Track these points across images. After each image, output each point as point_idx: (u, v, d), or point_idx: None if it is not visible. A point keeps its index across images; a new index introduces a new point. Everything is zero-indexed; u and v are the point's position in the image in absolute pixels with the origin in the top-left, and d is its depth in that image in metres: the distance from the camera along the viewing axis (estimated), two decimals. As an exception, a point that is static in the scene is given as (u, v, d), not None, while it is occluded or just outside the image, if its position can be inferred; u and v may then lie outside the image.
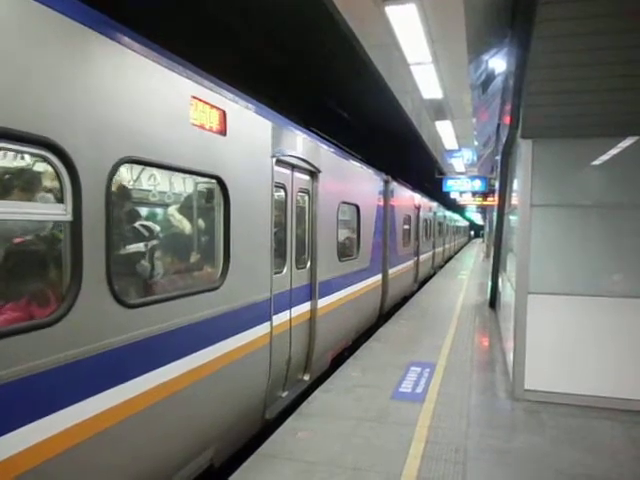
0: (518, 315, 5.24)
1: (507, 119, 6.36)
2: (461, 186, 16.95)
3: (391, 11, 4.56)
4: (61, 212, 2.31)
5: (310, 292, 5.53)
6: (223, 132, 3.61)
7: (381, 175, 9.26)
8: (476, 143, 12.62)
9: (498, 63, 7.53)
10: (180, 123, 3.15)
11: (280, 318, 4.67)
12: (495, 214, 10.53)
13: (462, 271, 20.34)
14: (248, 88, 4.30)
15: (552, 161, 5.25)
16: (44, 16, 2.20)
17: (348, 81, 10.38)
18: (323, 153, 5.81)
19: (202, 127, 3.36)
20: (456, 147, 12.73)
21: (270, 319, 4.39)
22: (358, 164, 7.81)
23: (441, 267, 21.92)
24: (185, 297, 3.21)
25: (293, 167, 5.02)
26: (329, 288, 6.04)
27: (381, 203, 9.12)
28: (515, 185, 6.53)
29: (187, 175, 3.46)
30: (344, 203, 6.78)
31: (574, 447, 4.10)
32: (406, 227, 11.81)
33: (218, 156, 3.56)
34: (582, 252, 5.19)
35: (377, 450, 3.94)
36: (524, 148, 5.23)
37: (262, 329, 4.24)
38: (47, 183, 2.39)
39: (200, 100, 3.33)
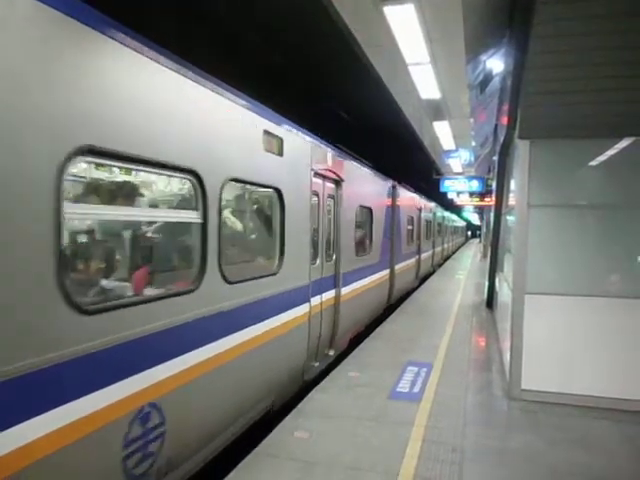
0: (515, 315, 5.26)
1: (505, 119, 6.38)
2: (458, 186, 16.98)
3: (389, 11, 4.56)
4: (197, 217, 3.44)
5: (335, 281, 6.60)
6: (281, 154, 4.73)
7: (389, 181, 10.29)
8: (473, 143, 12.64)
9: (496, 63, 7.56)
10: (257, 150, 4.30)
11: (315, 301, 5.76)
12: (492, 214, 10.55)
13: (459, 271, 20.38)
14: (248, 88, 4.30)
15: (549, 162, 5.26)
16: (194, 90, 3.39)
17: (346, 81, 10.39)
18: (345, 165, 6.91)
19: (269, 151, 4.49)
20: (454, 147, 12.75)
21: (309, 301, 5.53)
22: (371, 172, 8.88)
23: (440, 265, 22.62)
24: (260, 279, 4.39)
25: (324, 178, 6.12)
26: (349, 279, 7.10)
27: (389, 206, 10.15)
28: (512, 185, 6.55)
29: (260, 188, 4.72)
30: (360, 207, 7.87)
31: (570, 447, 4.12)
32: (409, 227, 12.82)
33: (278, 172, 4.71)
34: (579, 252, 5.21)
35: (374, 449, 3.94)
36: (521, 148, 5.24)
37: (303, 309, 5.36)
38: (190, 198, 3.51)
39: (268, 132, 4.48)
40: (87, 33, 2.50)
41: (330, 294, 6.37)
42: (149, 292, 3.25)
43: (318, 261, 5.95)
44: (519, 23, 4.51)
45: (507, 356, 5.63)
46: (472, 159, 15.31)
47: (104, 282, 3.05)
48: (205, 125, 3.52)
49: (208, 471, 3.71)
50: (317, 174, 5.75)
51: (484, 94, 8.74)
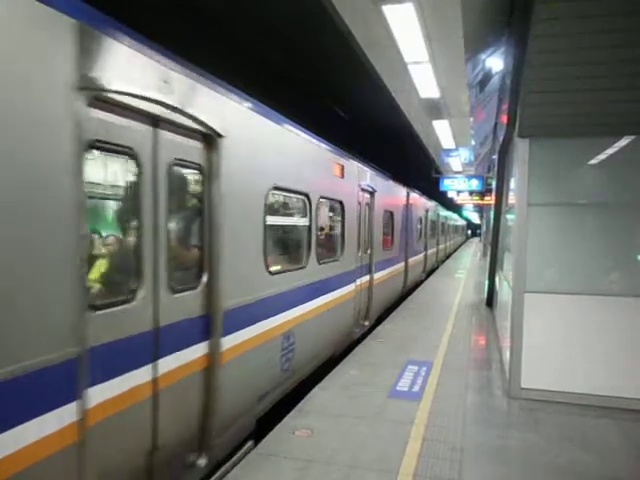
0: (515, 314, 5.26)
1: (504, 118, 6.38)
2: (458, 185, 16.98)
3: (388, 10, 4.56)
4: (308, 221, 5.56)
5: (369, 268, 8.45)
6: (342, 176, 6.74)
7: (405, 187, 11.99)
8: (473, 142, 12.65)
9: (495, 62, 7.56)
10: (332, 177, 6.39)
11: (358, 282, 7.65)
12: (492, 213, 10.56)
13: (459, 270, 20.39)
14: (247, 87, 4.30)
15: (549, 160, 5.26)
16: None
17: (345, 79, 10.38)
18: (376, 178, 8.80)
19: (336, 176, 6.52)
20: (453, 146, 12.75)
21: (355, 281, 7.48)
22: (393, 182, 10.62)
23: (442, 262, 23.93)
24: (332, 262, 6.47)
25: (363, 190, 7.95)
26: (378, 267, 9.02)
27: (404, 209, 11.84)
28: (512, 184, 6.55)
29: (334, 202, 6.71)
30: (385, 211, 9.73)
31: (570, 445, 4.13)
32: (418, 227, 14.60)
33: (341, 190, 6.75)
34: (579, 251, 5.21)
35: (374, 448, 3.95)
36: (521, 147, 5.24)
37: (352, 287, 7.32)
38: (305, 209, 5.58)
39: (337, 163, 6.56)
40: (282, 128, 4.84)
41: (366, 278, 8.28)
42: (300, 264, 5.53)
43: (360, 252, 7.78)
44: (518, 22, 4.51)
45: (507, 355, 5.64)
46: (472, 158, 15.31)
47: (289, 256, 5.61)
48: (310, 163, 5.62)
49: (210, 471, 3.72)
50: (361, 189, 7.78)
51: (483, 93, 8.74)
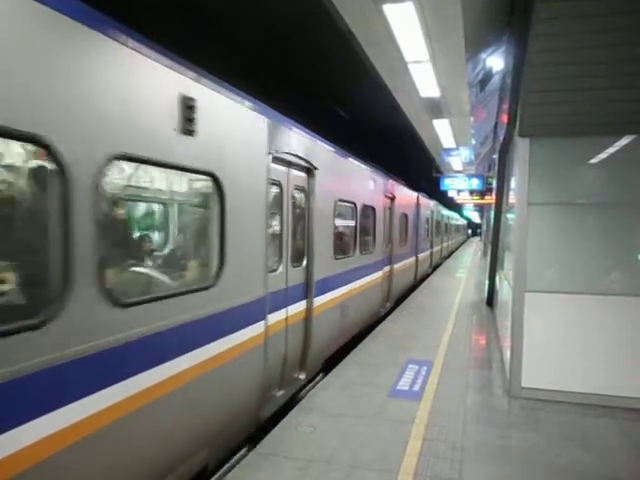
0: (515, 313, 5.26)
1: (504, 117, 6.37)
2: (459, 185, 16.97)
3: (389, 9, 4.56)
4: (354, 222, 7.44)
5: (391, 259, 10.31)
6: (374, 188, 8.53)
7: (415, 192, 13.75)
8: (473, 142, 12.63)
9: (496, 61, 7.55)
10: (369, 188, 8.17)
11: (385, 269, 9.68)
12: (492, 212, 10.56)
13: (460, 269, 20.38)
14: (247, 85, 4.31)
15: (549, 159, 5.26)
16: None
17: (345, 79, 10.38)
18: (395, 186, 10.57)
19: (371, 188, 8.30)
20: (454, 145, 12.74)
21: (382, 269, 9.37)
22: (407, 188, 12.36)
23: (445, 259, 25.51)
24: (369, 253, 8.27)
25: (386, 197, 9.65)
26: (396, 259, 10.75)
27: (415, 211, 13.62)
28: (512, 183, 6.54)
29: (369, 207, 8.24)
30: (402, 214, 11.49)
31: (571, 444, 4.13)
32: (425, 227, 16.45)
33: (374, 198, 8.52)
34: (579, 250, 5.21)
35: (375, 447, 3.95)
36: (521, 146, 5.24)
37: (383, 271, 9.36)
38: (353, 213, 7.47)
39: (372, 178, 8.25)
40: (342, 159, 6.69)
41: (388, 267, 10.12)
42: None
43: (384, 247, 9.58)
44: (518, 21, 4.51)
45: (507, 354, 5.64)
46: (472, 157, 15.30)
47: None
48: (357, 181, 7.57)
49: (209, 473, 3.72)
50: (385, 196, 9.46)
51: (484, 92, 8.74)
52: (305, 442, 4.02)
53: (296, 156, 4.99)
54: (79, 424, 2.33)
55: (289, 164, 4.94)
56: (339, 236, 6.75)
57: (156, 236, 4.43)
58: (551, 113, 4.99)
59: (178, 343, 3.07)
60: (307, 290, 5.42)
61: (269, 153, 4.31)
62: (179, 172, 3.33)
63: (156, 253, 3.87)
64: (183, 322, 3.08)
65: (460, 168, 17.33)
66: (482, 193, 20.36)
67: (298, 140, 5.06)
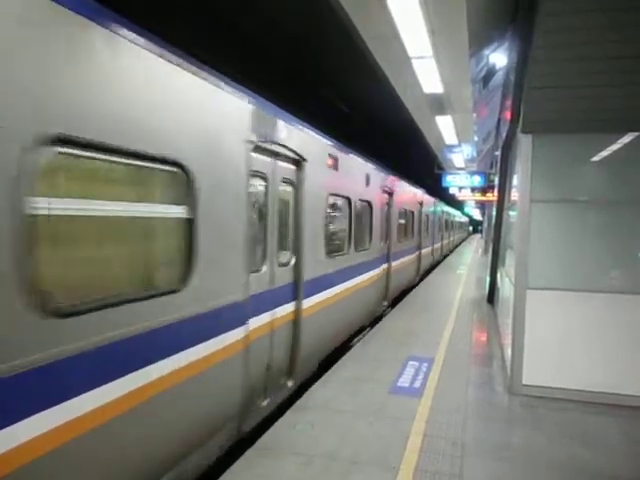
0: (517, 310, 5.25)
1: (507, 114, 6.34)
2: (460, 181, 16.93)
3: (392, 3, 4.52)
4: (348, 217, 7.13)
5: (389, 257, 10.31)
6: (368, 185, 8.21)
7: (418, 188, 14.38)
8: (476, 138, 12.58)
9: (499, 58, 7.51)
10: (363, 183, 7.87)
11: (382, 266, 9.67)
12: (494, 210, 10.53)
13: (461, 266, 20.37)
14: (247, 79, 4.28)
15: (552, 156, 5.23)
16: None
17: (346, 73, 10.33)
18: (397, 184, 10.78)
19: (365, 182, 8.01)
20: (456, 142, 12.69)
21: (379, 267, 9.31)
22: (408, 185, 12.57)
23: (446, 256, 26.84)
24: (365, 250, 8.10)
25: (384, 192, 9.57)
26: (395, 257, 10.85)
27: (416, 208, 14.21)
28: (515, 180, 6.52)
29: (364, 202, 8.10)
30: (401, 210, 11.58)
31: (571, 442, 4.13)
32: (428, 224, 17.69)
33: (371, 194, 8.36)
34: (581, 248, 5.19)
35: (375, 443, 3.95)
36: (524, 143, 5.21)
37: (380, 269, 9.42)
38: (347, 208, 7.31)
39: (366, 172, 8.06)
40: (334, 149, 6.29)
41: (385, 265, 10.24)
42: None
43: (376, 245, 9.32)
44: (523, 17, 4.47)
45: (508, 351, 5.63)
46: (474, 154, 15.25)
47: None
48: (351, 174, 7.10)
49: (209, 468, 3.72)
50: (383, 191, 9.35)
51: (487, 88, 8.69)
52: (305, 438, 4.02)
53: (283, 146, 4.57)
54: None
55: (275, 155, 4.52)
56: (331, 233, 6.40)
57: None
58: (555, 110, 4.96)
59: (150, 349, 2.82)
60: (296, 291, 5.05)
61: (250, 142, 3.91)
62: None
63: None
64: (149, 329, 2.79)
65: (462, 165, 17.27)
66: (483, 190, 20.30)
67: (286, 129, 4.62)
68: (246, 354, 3.91)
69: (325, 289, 5.89)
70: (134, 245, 2.91)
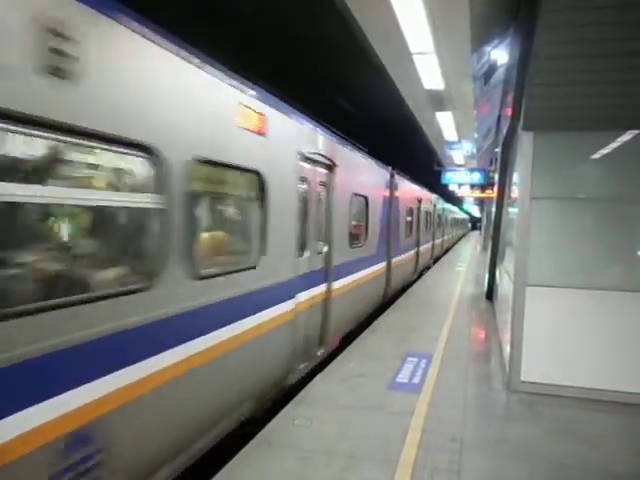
0: (516, 307, 5.26)
1: (508, 111, 6.32)
2: (460, 178, 16.92)
3: (395, -2, 4.50)
4: (365, 213, 8.38)
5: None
6: (392, 190, 10.18)
7: (418, 186, 15.28)
8: (476, 135, 12.56)
9: (500, 54, 7.47)
10: (377, 180, 9.17)
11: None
12: (494, 206, 10.53)
13: (459, 263, 20.40)
14: (247, 75, 4.26)
15: (553, 154, 5.23)
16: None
17: (347, 68, 10.29)
18: (401, 182, 11.55)
19: (377, 179, 9.13)
20: (456, 139, 12.66)
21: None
22: (411, 183, 13.49)
23: (446, 251, 27.23)
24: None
25: (388, 188, 10.24)
26: (397, 252, 11.43)
27: (418, 204, 15.07)
28: (515, 177, 6.51)
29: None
30: (406, 207, 12.45)
31: (569, 438, 4.14)
32: (428, 220, 18.62)
33: (382, 191, 9.43)
34: (581, 245, 5.19)
35: (374, 439, 3.97)
36: (525, 140, 5.20)
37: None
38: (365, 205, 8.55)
39: (376, 170, 9.07)
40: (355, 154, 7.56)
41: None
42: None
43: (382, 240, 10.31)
44: (526, 13, 4.45)
45: (507, 348, 5.65)
46: (474, 151, 15.23)
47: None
48: (367, 174, 8.29)
49: (206, 465, 3.74)
50: (391, 189, 10.31)
51: (488, 85, 8.67)
52: (304, 433, 4.03)
53: (320, 155, 5.59)
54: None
55: (314, 162, 5.52)
56: (354, 227, 7.44)
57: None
58: (556, 106, 4.95)
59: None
60: (327, 274, 6.05)
61: (299, 153, 4.92)
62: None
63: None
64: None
65: (462, 162, 17.25)
66: (483, 187, 20.30)
67: (321, 140, 5.70)
68: (294, 323, 4.96)
69: (348, 275, 6.93)
70: (239, 232, 4.35)
